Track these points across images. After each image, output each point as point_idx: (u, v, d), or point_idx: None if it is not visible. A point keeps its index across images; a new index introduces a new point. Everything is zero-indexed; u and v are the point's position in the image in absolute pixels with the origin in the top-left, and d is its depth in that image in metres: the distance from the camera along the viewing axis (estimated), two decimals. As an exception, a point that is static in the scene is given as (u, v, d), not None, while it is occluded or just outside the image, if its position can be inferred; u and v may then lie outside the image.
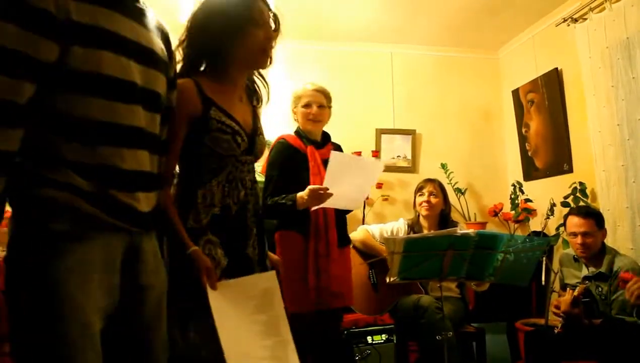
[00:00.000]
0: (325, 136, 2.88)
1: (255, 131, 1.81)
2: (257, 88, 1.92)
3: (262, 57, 1.75)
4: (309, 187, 2.52)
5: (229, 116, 1.70)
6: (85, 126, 1.20)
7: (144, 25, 1.34)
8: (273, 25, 1.75)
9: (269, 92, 1.95)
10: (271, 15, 1.75)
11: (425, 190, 3.42)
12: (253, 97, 1.90)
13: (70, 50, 1.15)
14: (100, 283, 1.21)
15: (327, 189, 2.45)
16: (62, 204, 1.17)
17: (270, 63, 1.79)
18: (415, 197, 3.52)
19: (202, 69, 1.75)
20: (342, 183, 2.48)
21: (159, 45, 1.40)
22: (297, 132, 2.84)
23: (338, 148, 2.87)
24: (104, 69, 1.20)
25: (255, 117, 1.86)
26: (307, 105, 2.79)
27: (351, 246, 3.37)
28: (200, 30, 1.69)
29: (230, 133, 1.68)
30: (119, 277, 1.27)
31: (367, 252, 3.35)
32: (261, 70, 1.91)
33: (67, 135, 1.19)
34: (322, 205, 2.53)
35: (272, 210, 2.66)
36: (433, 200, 3.39)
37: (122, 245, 1.28)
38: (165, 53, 1.44)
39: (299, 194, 2.57)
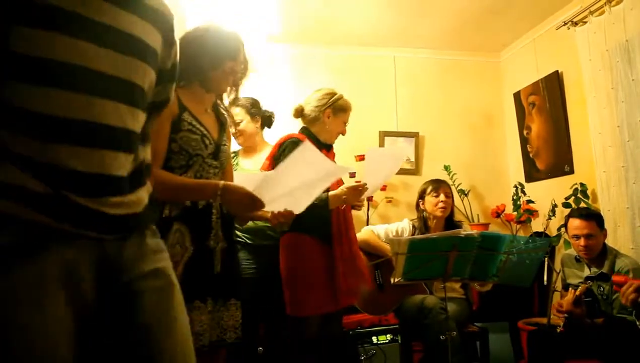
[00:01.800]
0: None
1: (221, 142, 2.05)
2: (221, 111, 2.16)
3: (226, 85, 2.07)
4: (347, 186, 2.59)
5: (199, 122, 1.96)
6: (34, 120, 1.01)
7: (124, 6, 1.15)
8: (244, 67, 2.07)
9: (230, 116, 2.24)
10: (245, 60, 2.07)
11: (441, 191, 3.43)
12: (220, 116, 2.13)
13: (13, 30, 0.98)
14: (59, 299, 1.02)
15: (365, 185, 2.54)
16: (3, 213, 0.98)
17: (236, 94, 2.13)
18: (424, 197, 3.50)
19: (181, 84, 1.96)
20: (374, 175, 2.61)
21: (146, 30, 1.21)
22: (308, 134, 2.81)
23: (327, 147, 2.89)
24: (58, 54, 1.02)
25: (222, 132, 2.09)
26: (345, 123, 2.86)
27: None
28: (188, 56, 1.87)
29: (199, 134, 1.93)
30: (94, 288, 1.08)
31: (372, 252, 3.37)
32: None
33: (14, 128, 1.00)
34: (365, 194, 2.62)
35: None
36: (449, 201, 3.43)
37: (90, 255, 1.08)
38: (160, 40, 1.27)
39: (332, 193, 2.60)
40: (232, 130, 2.79)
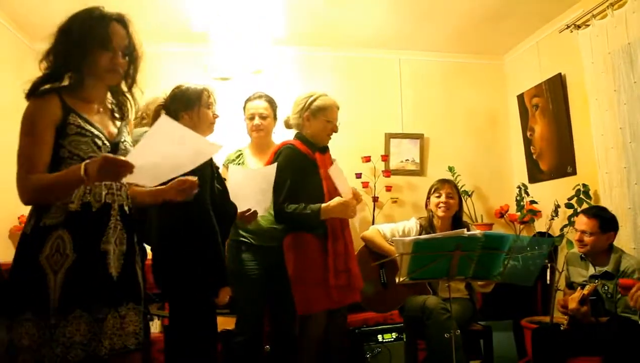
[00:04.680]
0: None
1: (120, 139, 1.91)
2: (121, 103, 2.00)
3: (109, 74, 1.88)
4: (340, 200, 2.67)
5: (88, 122, 1.81)
6: None
7: None
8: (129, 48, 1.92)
9: (136, 109, 2.08)
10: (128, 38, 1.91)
11: (442, 191, 3.43)
12: (118, 112, 1.99)
13: None
14: None
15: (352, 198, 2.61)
16: None
17: (120, 80, 1.93)
18: (429, 197, 3.53)
19: (66, 83, 1.84)
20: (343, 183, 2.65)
21: None
22: (301, 139, 2.89)
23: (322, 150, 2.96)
24: None
25: (121, 130, 1.96)
26: (329, 121, 2.87)
27: (363, 244, 3.47)
28: (60, 46, 1.81)
29: (89, 136, 1.78)
30: None
31: (376, 251, 3.41)
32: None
33: None
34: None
35: (292, 218, 2.75)
36: (451, 201, 3.41)
37: None
38: None
39: (324, 205, 2.69)
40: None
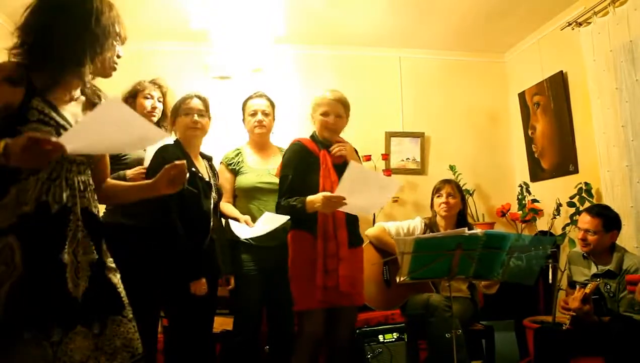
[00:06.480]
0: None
1: None
2: (96, 96, 1.75)
3: (112, 70, 1.72)
4: (324, 194, 2.59)
5: (54, 109, 1.55)
6: None
7: None
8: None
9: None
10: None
11: (443, 191, 3.45)
12: (89, 102, 1.73)
13: None
14: None
15: (343, 198, 2.52)
16: None
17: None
18: (432, 198, 3.55)
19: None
20: (355, 194, 2.53)
21: None
22: (313, 136, 2.92)
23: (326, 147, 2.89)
24: None
25: None
26: (325, 114, 2.84)
27: (368, 241, 3.46)
28: (50, 33, 1.55)
29: (53, 126, 1.52)
30: None
31: (383, 248, 3.41)
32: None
33: None
34: (343, 208, 2.59)
35: (285, 211, 2.77)
36: (451, 201, 3.43)
37: None
38: None
39: (309, 198, 2.65)
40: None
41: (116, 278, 1.70)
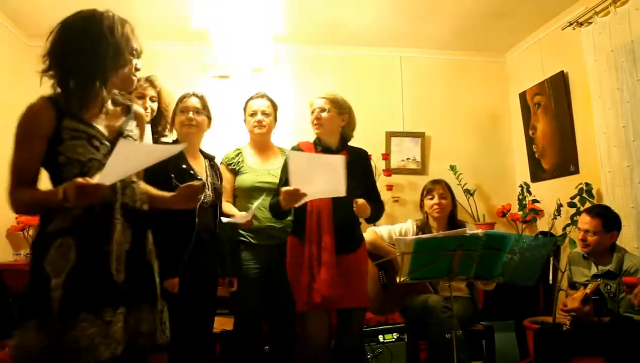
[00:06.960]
0: (343, 142, 2.90)
1: (121, 134, 1.87)
2: (128, 100, 1.99)
3: (131, 84, 1.90)
4: (281, 189, 2.55)
5: (84, 122, 1.76)
6: None
7: None
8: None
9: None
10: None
11: (435, 193, 3.44)
12: (122, 108, 1.95)
13: None
14: None
15: (298, 190, 2.46)
16: None
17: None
18: (423, 199, 3.54)
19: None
20: (308, 181, 2.47)
21: None
22: (314, 140, 2.91)
23: (327, 151, 2.85)
24: None
25: (126, 122, 1.92)
26: (312, 113, 2.86)
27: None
28: (71, 56, 1.75)
29: (84, 138, 1.74)
30: None
31: (375, 253, 3.37)
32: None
33: None
34: (305, 199, 2.53)
35: (270, 207, 2.81)
36: (444, 202, 3.42)
37: None
38: None
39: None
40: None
41: (151, 270, 1.91)
